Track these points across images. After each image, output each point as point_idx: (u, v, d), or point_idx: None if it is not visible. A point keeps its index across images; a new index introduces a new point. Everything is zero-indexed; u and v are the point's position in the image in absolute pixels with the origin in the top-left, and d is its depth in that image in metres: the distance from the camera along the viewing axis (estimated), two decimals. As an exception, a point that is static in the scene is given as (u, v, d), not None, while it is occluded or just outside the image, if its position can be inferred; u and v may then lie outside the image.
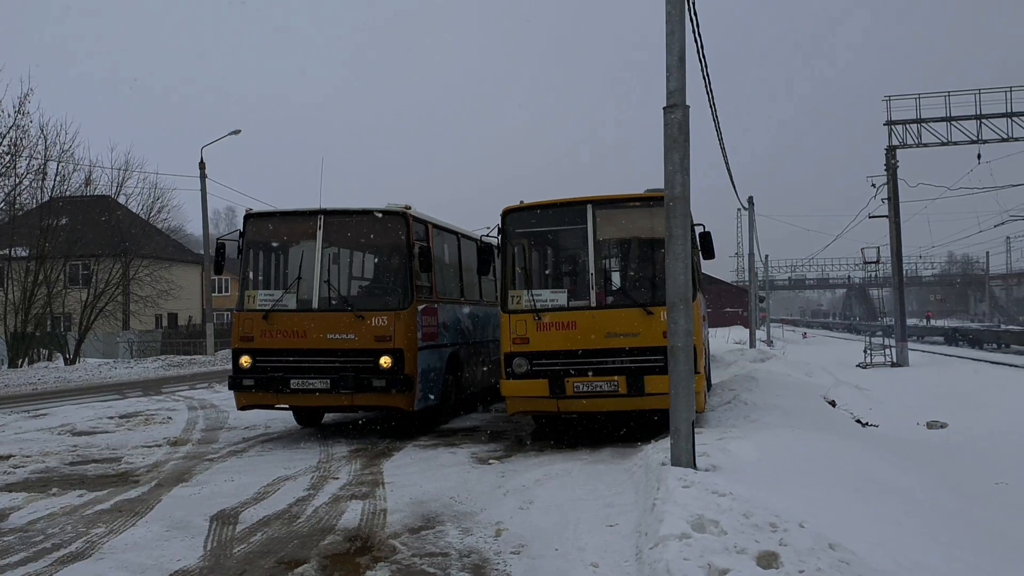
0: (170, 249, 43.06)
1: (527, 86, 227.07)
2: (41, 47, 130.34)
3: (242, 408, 10.56)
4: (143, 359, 31.57)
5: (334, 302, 10.12)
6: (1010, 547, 5.91)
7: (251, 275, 10.55)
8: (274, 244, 10.77)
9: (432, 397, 10.69)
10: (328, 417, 12.29)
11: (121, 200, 36.54)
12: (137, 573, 5.13)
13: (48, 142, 28.91)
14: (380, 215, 10.50)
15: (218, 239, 10.89)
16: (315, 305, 10.07)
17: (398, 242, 10.23)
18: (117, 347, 36.52)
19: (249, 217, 10.60)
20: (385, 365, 9.75)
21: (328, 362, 9.87)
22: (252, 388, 10.10)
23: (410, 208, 10.41)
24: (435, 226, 11.30)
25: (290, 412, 11.62)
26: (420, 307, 10.29)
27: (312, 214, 10.30)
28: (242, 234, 10.47)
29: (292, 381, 9.89)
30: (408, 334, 9.95)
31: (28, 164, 28.57)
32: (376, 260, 11.63)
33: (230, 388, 10.45)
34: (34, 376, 23.88)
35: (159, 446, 10.18)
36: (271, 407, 10.67)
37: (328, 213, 10.29)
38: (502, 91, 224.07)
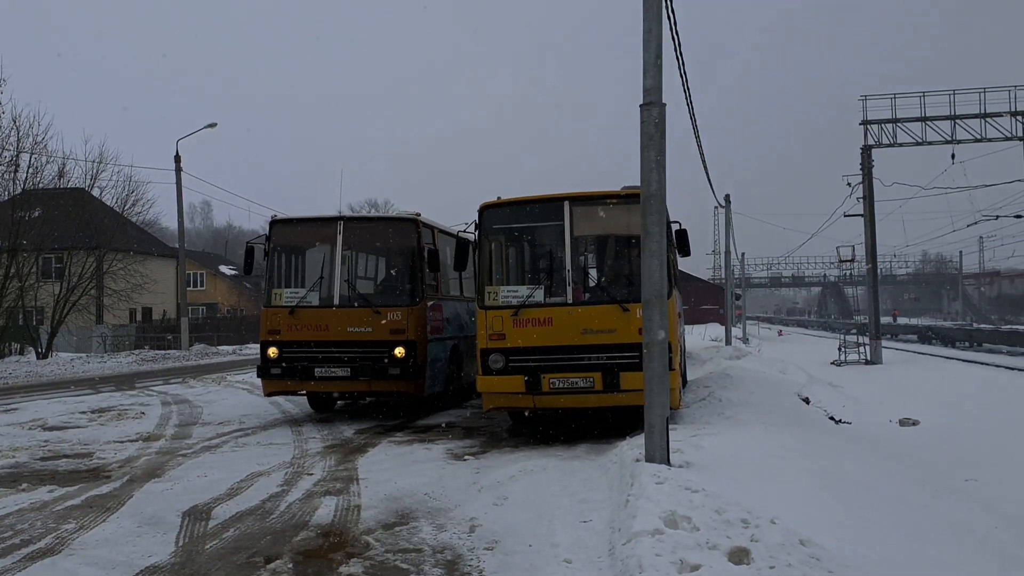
0: (145, 243, 42.52)
1: (525, 85, 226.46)
2: (20, 35, 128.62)
3: (269, 395, 11.60)
4: (117, 353, 31.23)
5: (353, 299, 11.15)
6: (976, 542, 6.00)
7: (276, 275, 11.48)
8: (297, 247, 11.79)
9: (438, 384, 11.71)
10: (304, 412, 12.50)
11: (95, 193, 35.99)
12: (107, 569, 5.08)
13: (21, 133, 28.48)
14: (393, 221, 11.95)
15: (247, 242, 11.75)
16: (336, 302, 11.04)
17: (409, 245, 11.33)
18: (90, 341, 36.10)
19: (275, 223, 11.52)
20: (399, 355, 10.75)
21: (348, 352, 10.86)
22: (280, 376, 11.07)
23: (419, 215, 11.43)
24: (440, 230, 12.36)
25: (281, 405, 12.41)
26: (429, 303, 11.30)
27: (332, 220, 11.35)
28: (268, 238, 11.38)
29: (316, 370, 10.89)
30: (419, 327, 10.97)
31: (0, 156, 28.15)
32: (389, 261, 12.73)
33: (258, 376, 11.39)
34: (5, 370, 23.53)
35: (132, 441, 10.09)
36: (295, 393, 11.74)
37: (347, 219, 11.41)
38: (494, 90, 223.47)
